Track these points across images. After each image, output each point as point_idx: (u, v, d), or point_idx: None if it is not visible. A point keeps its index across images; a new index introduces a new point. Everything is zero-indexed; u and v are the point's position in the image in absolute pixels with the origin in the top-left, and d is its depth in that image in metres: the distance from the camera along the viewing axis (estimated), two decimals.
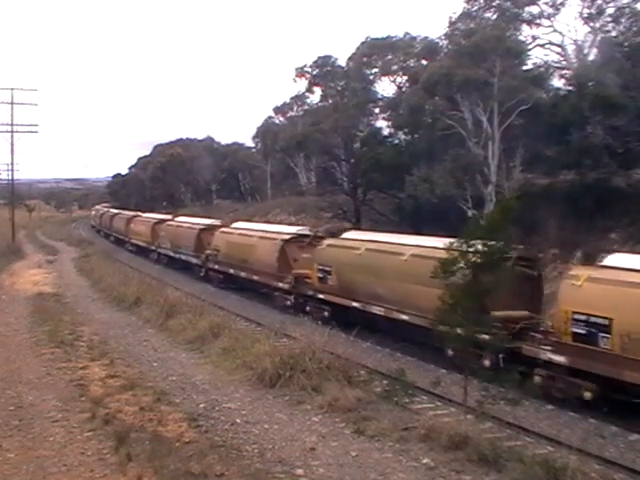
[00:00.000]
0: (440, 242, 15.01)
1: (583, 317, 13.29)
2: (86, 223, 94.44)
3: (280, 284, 25.09)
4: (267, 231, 28.91)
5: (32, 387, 13.93)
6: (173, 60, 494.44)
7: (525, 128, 30.03)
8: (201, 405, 12.90)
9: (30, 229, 79.21)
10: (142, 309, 23.23)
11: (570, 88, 32.20)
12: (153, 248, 44.62)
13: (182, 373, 15.34)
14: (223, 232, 32.89)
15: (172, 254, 40.02)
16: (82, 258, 43.47)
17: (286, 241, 26.14)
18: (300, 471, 9.84)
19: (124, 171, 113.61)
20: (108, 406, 12.38)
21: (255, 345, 15.53)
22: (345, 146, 42.44)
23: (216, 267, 32.00)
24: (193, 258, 35.68)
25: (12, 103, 50.25)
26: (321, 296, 22.20)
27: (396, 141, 41.83)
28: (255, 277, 27.59)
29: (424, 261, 15.80)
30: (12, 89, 50.14)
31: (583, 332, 13.27)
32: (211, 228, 35.30)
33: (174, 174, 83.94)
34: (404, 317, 17.97)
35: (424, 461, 10.16)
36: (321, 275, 22.27)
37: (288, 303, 24.46)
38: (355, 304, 20.33)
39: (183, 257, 37.73)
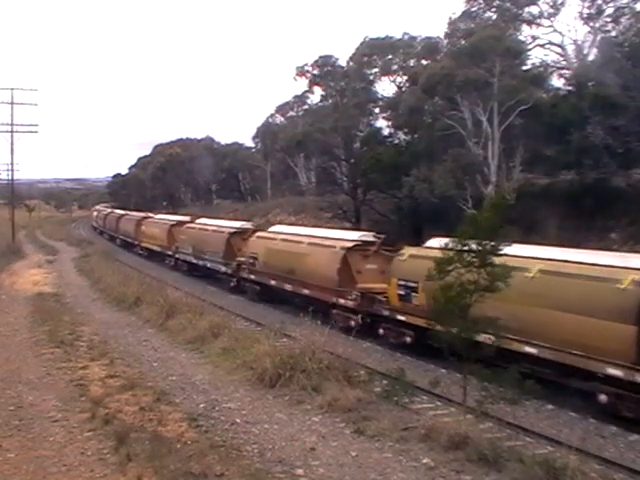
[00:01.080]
0: (562, 251, 13.76)
1: None
2: (86, 223, 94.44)
3: (342, 301, 21.10)
4: (321, 237, 24.57)
5: (32, 387, 13.91)
6: (173, 60, 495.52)
7: (525, 128, 30.09)
8: (201, 405, 12.89)
9: (30, 229, 79.22)
10: (142, 309, 23.17)
11: (570, 88, 32.29)
12: (170, 253, 40.15)
13: (182, 373, 15.32)
14: (261, 237, 28.52)
15: (194, 260, 35.55)
16: (82, 258, 43.43)
17: (349, 249, 22.02)
18: (300, 471, 9.83)
19: (124, 171, 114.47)
20: (108, 406, 12.36)
21: (255, 345, 15.46)
22: (345, 146, 42.51)
23: (252, 277, 27.79)
24: (222, 266, 31.34)
25: (12, 103, 50.29)
26: (402, 317, 18.55)
27: (396, 141, 41.94)
28: (306, 291, 23.36)
29: (558, 280, 13.97)
30: (12, 89, 50.23)
31: None
32: (243, 232, 31.16)
33: (174, 174, 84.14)
34: (530, 350, 14.14)
35: (424, 461, 10.15)
36: (402, 292, 18.52)
37: (352, 324, 20.24)
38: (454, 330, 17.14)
39: (209, 264, 33.16)
